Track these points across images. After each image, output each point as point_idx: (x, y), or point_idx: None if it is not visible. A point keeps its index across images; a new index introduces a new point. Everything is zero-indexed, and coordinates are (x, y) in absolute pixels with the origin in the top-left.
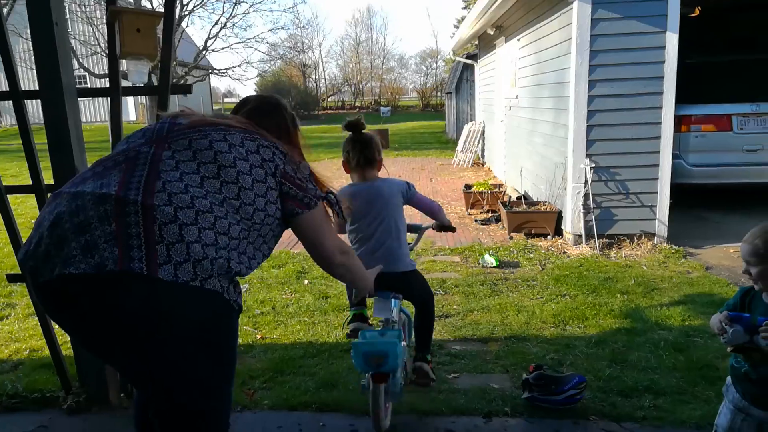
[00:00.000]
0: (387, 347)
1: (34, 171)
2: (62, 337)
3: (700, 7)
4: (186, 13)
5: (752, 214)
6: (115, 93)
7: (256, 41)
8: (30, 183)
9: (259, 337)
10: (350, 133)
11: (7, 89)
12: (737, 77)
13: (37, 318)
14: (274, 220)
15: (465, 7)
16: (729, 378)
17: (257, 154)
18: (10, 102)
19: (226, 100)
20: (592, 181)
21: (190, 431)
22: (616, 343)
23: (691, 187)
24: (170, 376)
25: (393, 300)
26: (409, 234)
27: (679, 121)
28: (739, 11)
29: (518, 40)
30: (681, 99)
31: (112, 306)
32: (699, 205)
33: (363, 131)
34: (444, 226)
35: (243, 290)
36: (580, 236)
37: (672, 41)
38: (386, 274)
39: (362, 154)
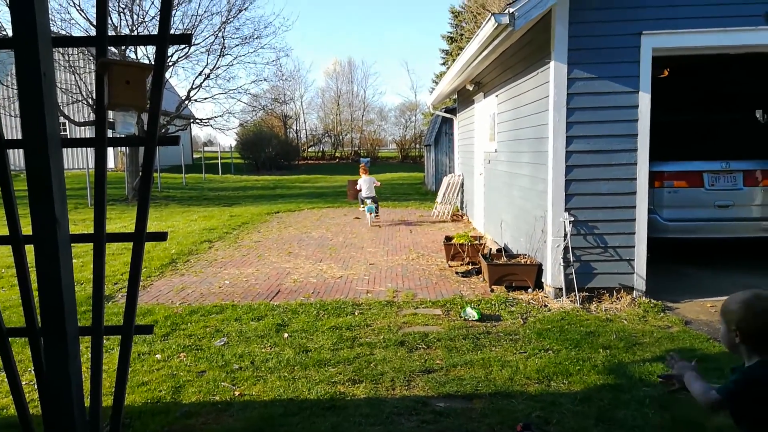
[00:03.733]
0: (372, 207)
1: (12, 221)
2: (30, 394)
3: (668, 69)
4: (170, 64)
5: (725, 269)
6: (101, 144)
7: (238, 92)
8: (6, 233)
9: (237, 393)
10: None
11: None
12: (707, 136)
13: (4, 373)
14: None
15: (443, 63)
16: None
17: None
18: None
19: (206, 148)
20: (571, 235)
21: None
22: (602, 401)
23: (665, 242)
24: None
25: (372, 199)
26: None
27: (653, 177)
28: (706, 73)
29: (497, 96)
30: (654, 156)
31: None
32: (674, 259)
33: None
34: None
35: (220, 344)
36: (561, 289)
37: (644, 101)
38: (371, 197)
39: (366, 172)
